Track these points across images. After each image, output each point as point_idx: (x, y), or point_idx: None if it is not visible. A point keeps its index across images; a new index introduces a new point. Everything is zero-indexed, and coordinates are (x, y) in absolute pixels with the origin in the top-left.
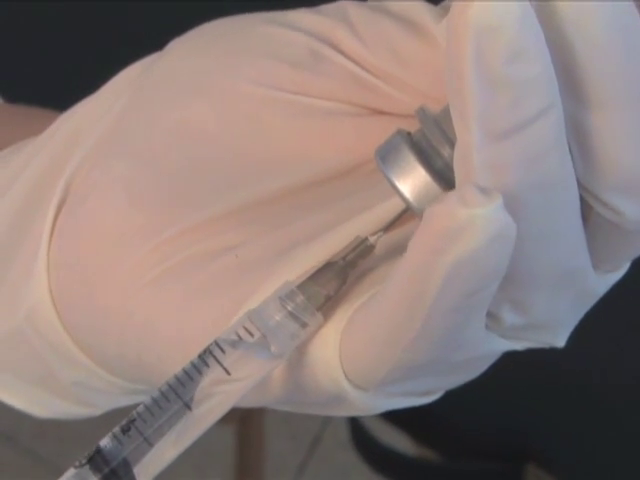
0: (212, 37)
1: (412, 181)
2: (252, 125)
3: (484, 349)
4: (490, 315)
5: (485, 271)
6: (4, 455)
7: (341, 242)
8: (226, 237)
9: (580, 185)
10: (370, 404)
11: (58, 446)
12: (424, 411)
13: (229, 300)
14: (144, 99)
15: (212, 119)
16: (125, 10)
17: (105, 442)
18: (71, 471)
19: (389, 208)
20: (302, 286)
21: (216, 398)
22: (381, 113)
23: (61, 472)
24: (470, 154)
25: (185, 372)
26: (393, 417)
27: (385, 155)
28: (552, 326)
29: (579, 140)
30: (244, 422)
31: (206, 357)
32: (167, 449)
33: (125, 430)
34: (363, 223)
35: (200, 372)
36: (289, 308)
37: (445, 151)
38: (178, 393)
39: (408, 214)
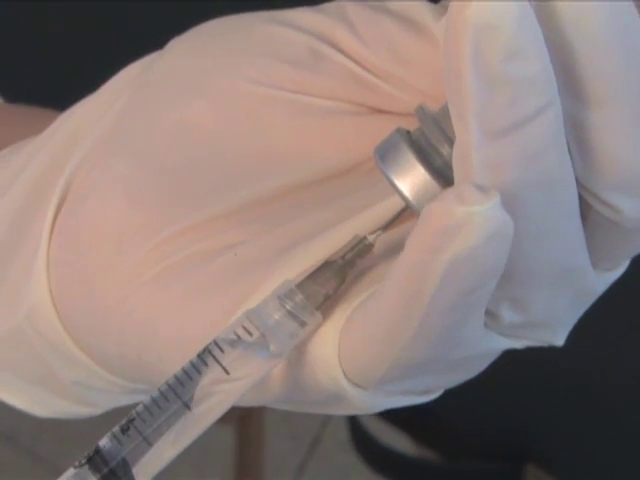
0: (212, 36)
1: (411, 180)
2: (252, 124)
3: (483, 347)
4: (489, 313)
5: (483, 269)
6: (4, 455)
7: (341, 241)
8: (226, 236)
9: (579, 183)
10: (369, 403)
11: (58, 446)
12: (424, 411)
13: (229, 299)
14: (144, 99)
15: (212, 118)
16: (125, 10)
17: (104, 442)
18: (70, 471)
19: (389, 207)
20: (301, 285)
21: (215, 397)
22: (381, 112)
23: (61, 472)
24: (469, 152)
25: (184, 372)
26: (393, 417)
27: (384, 154)
28: (551, 324)
29: (578, 138)
30: (244, 422)
31: (205, 357)
32: (166, 449)
33: (124, 430)
34: (363, 222)
35: (199, 372)
36: (288, 307)
37: (444, 149)
38: (177, 393)
39: (407, 213)
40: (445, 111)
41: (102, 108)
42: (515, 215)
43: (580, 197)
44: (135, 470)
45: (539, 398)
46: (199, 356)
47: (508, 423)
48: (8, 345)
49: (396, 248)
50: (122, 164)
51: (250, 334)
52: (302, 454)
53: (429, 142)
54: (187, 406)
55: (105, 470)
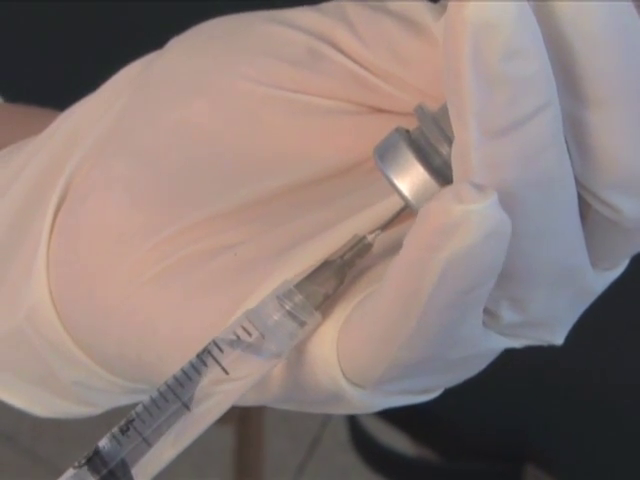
0: (211, 36)
1: (410, 179)
2: (252, 124)
3: (482, 347)
4: (488, 312)
5: (481, 267)
6: (3, 455)
7: (340, 240)
8: (225, 236)
9: (578, 183)
10: (368, 402)
11: (57, 446)
12: (423, 411)
13: (228, 299)
14: (144, 98)
15: (212, 118)
16: (125, 10)
17: (103, 443)
18: (70, 472)
19: (388, 206)
20: (300, 285)
21: (215, 398)
22: (380, 111)
23: (60, 472)
24: (468, 152)
25: (183, 372)
26: (392, 417)
27: (383, 153)
28: (550, 324)
29: (577, 138)
30: (243, 422)
31: (204, 357)
32: (166, 449)
33: (124, 430)
34: (362, 221)
35: (199, 372)
36: (287, 307)
37: (443, 149)
38: (177, 393)
39: (407, 212)
40: (444, 110)
41: (102, 108)
42: (514, 214)
43: (579, 197)
44: (135, 471)
45: (539, 398)
46: (198, 356)
47: (508, 423)
48: (8, 345)
49: (395, 248)
50: (122, 164)
51: (249, 334)
52: (302, 454)
53: (428, 141)
54: (186, 406)
55: (104, 471)
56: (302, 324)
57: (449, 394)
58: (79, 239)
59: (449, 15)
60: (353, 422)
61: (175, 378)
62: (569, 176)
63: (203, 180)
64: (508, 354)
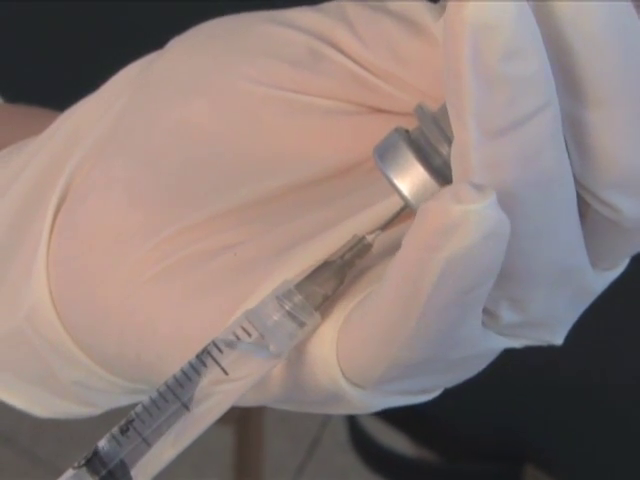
0: (211, 36)
1: (410, 179)
2: (252, 124)
3: (481, 347)
4: (488, 312)
5: (480, 267)
6: (3, 456)
7: (340, 240)
8: (225, 236)
9: (577, 183)
10: (367, 402)
11: (57, 447)
12: (422, 412)
13: (228, 299)
14: (144, 98)
15: (212, 118)
16: (125, 10)
17: (103, 443)
18: (69, 472)
19: (388, 206)
20: (300, 285)
21: (214, 398)
22: (380, 112)
23: (60, 473)
24: (467, 152)
25: (183, 372)
26: (392, 418)
27: (383, 153)
28: (550, 324)
29: (576, 138)
30: (243, 422)
31: (204, 357)
32: (166, 449)
33: (123, 431)
34: (362, 221)
35: (198, 372)
36: (287, 308)
37: (443, 149)
38: (176, 394)
39: (406, 212)
40: (444, 110)
41: (102, 108)
42: (513, 214)
43: (579, 196)
44: (134, 471)
45: (538, 398)
46: (198, 357)
47: (507, 423)
48: (8, 345)
49: (395, 248)
50: (122, 164)
51: (249, 335)
52: (301, 455)
53: (428, 141)
54: (186, 407)
55: (103, 472)
56: (302, 324)
57: (448, 394)
58: (79, 239)
59: (448, 15)
60: (352, 423)
61: (175, 378)
62: (568, 176)
63: (203, 180)
64: (508, 354)
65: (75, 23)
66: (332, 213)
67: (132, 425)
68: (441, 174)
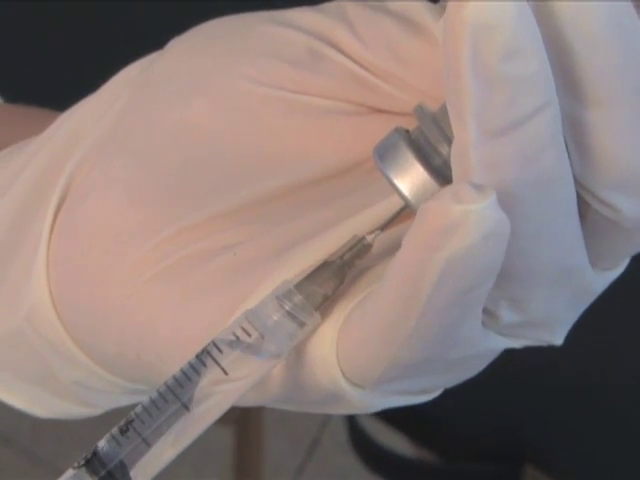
0: (212, 36)
1: (410, 179)
2: (251, 124)
3: (481, 347)
4: (487, 312)
5: (480, 267)
6: (3, 456)
7: (340, 240)
8: (225, 236)
9: (577, 183)
10: (367, 402)
11: (56, 447)
12: (422, 412)
13: (228, 299)
14: (144, 99)
15: (212, 118)
16: (125, 10)
17: (102, 444)
18: (69, 472)
19: (388, 206)
20: (300, 285)
21: (214, 398)
22: (380, 112)
23: (60, 473)
24: (467, 152)
25: (183, 373)
26: (391, 418)
27: (383, 153)
28: (550, 324)
29: (576, 138)
30: (242, 422)
31: (204, 357)
32: (165, 449)
33: (123, 431)
34: (362, 221)
35: (198, 372)
36: (287, 308)
37: (443, 149)
38: (176, 394)
39: (406, 212)
40: (444, 110)
41: (102, 108)
42: (513, 214)
43: (578, 196)
44: (134, 471)
45: (538, 398)
46: (197, 357)
47: (506, 424)
48: (8, 345)
49: (395, 248)
50: (122, 164)
51: (249, 335)
52: (301, 455)
53: (428, 141)
54: (186, 407)
55: (103, 472)
56: (301, 324)
57: (448, 394)
58: (79, 239)
59: (448, 15)
60: (352, 423)
61: (174, 379)
62: (568, 176)
63: (203, 180)
64: (508, 354)
65: (75, 23)
66: (332, 213)
67: (132, 425)
68: (441, 174)
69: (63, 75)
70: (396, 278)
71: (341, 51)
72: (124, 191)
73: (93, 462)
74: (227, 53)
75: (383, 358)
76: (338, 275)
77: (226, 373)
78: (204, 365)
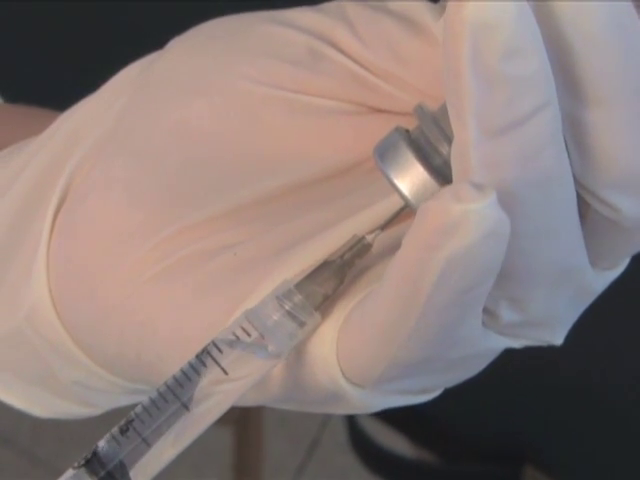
0: (212, 36)
1: (410, 179)
2: (252, 124)
3: (481, 346)
4: (487, 312)
5: (480, 267)
6: (2, 456)
7: (340, 240)
8: (225, 236)
9: (577, 182)
10: (367, 402)
11: (56, 447)
12: (422, 412)
13: (228, 299)
14: (144, 99)
15: (212, 118)
16: (125, 10)
17: (102, 444)
18: (69, 472)
19: (388, 206)
20: (300, 285)
21: (214, 398)
22: (380, 111)
23: (59, 473)
24: (467, 151)
25: (183, 373)
26: (391, 418)
27: (383, 153)
28: (550, 323)
29: (576, 137)
30: (242, 422)
31: (204, 357)
32: (165, 449)
33: (123, 431)
34: (362, 221)
35: (198, 372)
36: (287, 307)
37: (443, 148)
38: (176, 394)
39: (406, 212)
40: (444, 110)
41: (102, 108)
42: (513, 214)
43: (578, 196)
44: (134, 471)
45: (538, 398)
46: (197, 357)
47: (506, 424)
48: (8, 345)
49: (395, 247)
50: (122, 164)
51: (249, 335)
52: (301, 456)
53: (428, 141)
54: (186, 407)
55: (102, 473)
56: (302, 324)
57: (448, 395)
58: (79, 239)
59: (448, 15)
60: (352, 423)
61: (174, 379)
62: (568, 175)
63: (203, 180)
64: (508, 354)
65: (75, 23)
66: (332, 213)
67: (132, 425)
68: (441, 174)
69: (63, 75)
70: (396, 278)
71: (341, 51)
72: (124, 191)
73: (93, 462)
74: (227, 53)
75: (383, 358)
76: (338, 275)
77: (226, 373)
78: (204, 365)
